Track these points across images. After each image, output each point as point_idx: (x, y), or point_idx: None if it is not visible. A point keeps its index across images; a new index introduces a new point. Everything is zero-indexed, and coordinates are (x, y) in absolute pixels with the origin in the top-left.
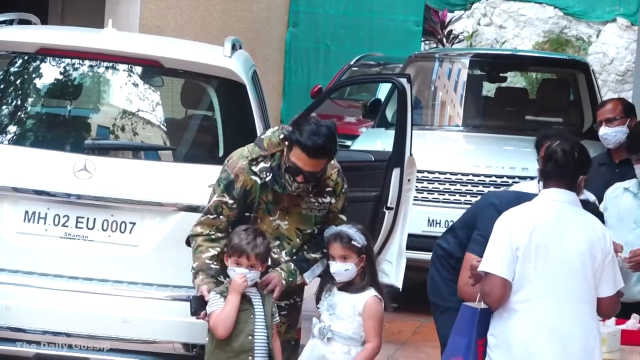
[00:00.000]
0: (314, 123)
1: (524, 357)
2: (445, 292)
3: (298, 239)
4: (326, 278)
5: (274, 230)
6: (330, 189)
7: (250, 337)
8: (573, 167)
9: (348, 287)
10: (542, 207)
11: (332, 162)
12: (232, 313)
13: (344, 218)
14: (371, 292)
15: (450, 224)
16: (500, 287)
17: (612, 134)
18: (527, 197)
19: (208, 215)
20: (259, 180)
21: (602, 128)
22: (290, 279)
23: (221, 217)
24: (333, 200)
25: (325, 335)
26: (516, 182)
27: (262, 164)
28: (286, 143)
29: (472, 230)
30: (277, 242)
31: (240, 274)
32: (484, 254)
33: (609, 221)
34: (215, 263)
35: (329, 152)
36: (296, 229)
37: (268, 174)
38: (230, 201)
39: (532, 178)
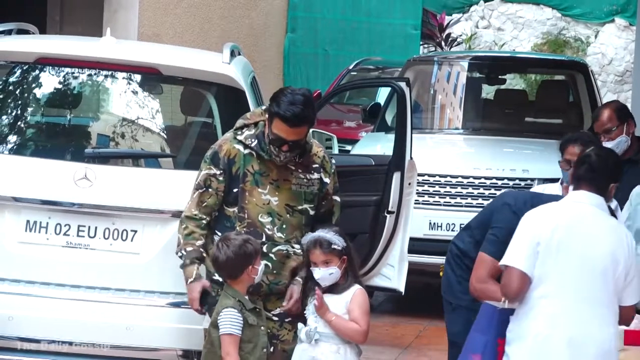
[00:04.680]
0: (289, 93)
1: (539, 353)
2: (458, 291)
3: (288, 215)
4: (310, 283)
5: (264, 205)
6: (317, 165)
7: (264, 350)
8: (606, 173)
9: (333, 288)
10: (568, 207)
11: (317, 142)
12: None
13: (338, 199)
14: (357, 287)
15: (452, 227)
16: (518, 279)
17: (614, 147)
18: (541, 197)
19: (199, 190)
20: (242, 149)
21: (603, 142)
22: None
23: (210, 189)
24: (325, 179)
25: (312, 338)
26: (517, 185)
27: (246, 132)
28: (266, 115)
29: (486, 231)
30: (270, 219)
31: None
32: (507, 249)
33: None
34: (204, 253)
35: (308, 118)
36: (286, 205)
37: (253, 140)
38: (218, 172)
39: (553, 180)
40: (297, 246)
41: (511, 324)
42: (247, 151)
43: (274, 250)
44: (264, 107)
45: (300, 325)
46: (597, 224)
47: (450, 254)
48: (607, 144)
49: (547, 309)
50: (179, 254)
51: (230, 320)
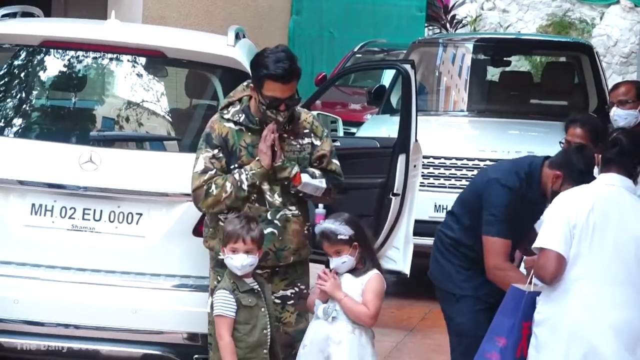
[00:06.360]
0: (270, 54)
1: (570, 335)
2: (459, 280)
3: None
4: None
5: None
6: (307, 130)
7: (265, 331)
8: (635, 156)
9: (353, 271)
10: (601, 189)
11: (306, 110)
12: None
13: (337, 162)
14: (374, 271)
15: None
16: (554, 261)
17: (623, 116)
18: (523, 161)
19: (209, 172)
20: (233, 126)
21: (614, 109)
22: (283, 166)
23: (215, 169)
24: (316, 142)
25: (330, 315)
26: None
27: (232, 110)
28: (249, 90)
29: (476, 214)
30: (268, 186)
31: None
32: (540, 232)
33: None
34: None
35: (297, 71)
36: None
37: (240, 115)
38: (215, 151)
39: None
40: (292, 207)
41: (540, 305)
42: (237, 127)
43: (278, 216)
44: (245, 84)
45: (317, 302)
46: (629, 207)
47: (441, 243)
48: (618, 111)
49: (582, 291)
50: (245, 183)
51: (221, 302)
